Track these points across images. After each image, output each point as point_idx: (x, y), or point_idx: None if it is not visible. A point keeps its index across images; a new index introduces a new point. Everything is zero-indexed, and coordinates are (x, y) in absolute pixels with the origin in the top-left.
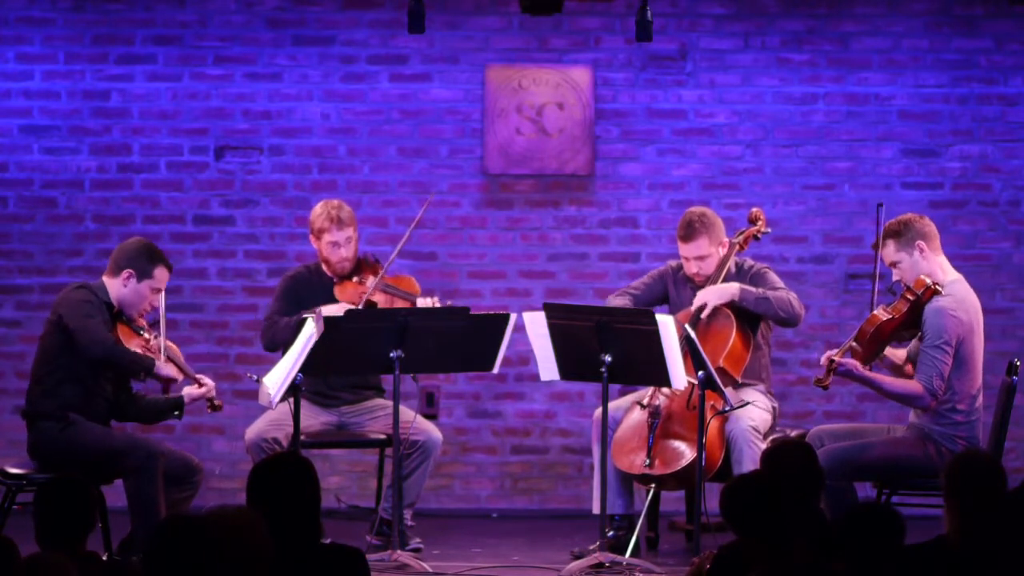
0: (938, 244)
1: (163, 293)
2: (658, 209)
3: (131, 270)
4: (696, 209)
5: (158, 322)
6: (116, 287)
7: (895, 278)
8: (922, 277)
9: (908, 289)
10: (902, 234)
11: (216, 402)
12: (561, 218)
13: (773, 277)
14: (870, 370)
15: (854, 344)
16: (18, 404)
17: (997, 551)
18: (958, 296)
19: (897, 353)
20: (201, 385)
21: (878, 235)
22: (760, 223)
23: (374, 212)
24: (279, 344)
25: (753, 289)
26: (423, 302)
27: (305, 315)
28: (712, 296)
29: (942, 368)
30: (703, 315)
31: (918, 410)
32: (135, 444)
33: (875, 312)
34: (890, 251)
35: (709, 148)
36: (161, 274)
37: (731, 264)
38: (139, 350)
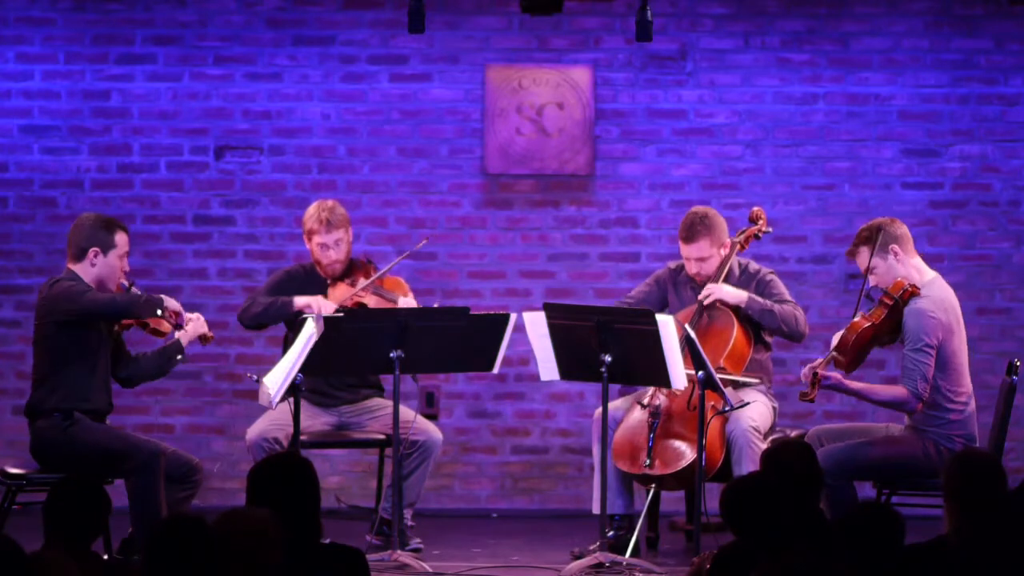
0: (912, 246)
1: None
2: (658, 209)
3: (95, 248)
4: (699, 209)
5: (132, 284)
6: (86, 269)
7: (871, 284)
8: (900, 280)
9: (885, 294)
10: (875, 239)
11: (208, 334)
12: (561, 218)
13: (780, 287)
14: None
15: (836, 354)
16: (18, 404)
17: (997, 551)
18: (935, 297)
19: None
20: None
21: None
22: (761, 222)
23: (374, 212)
24: (250, 318)
25: (760, 300)
26: (405, 302)
27: (305, 315)
28: (721, 293)
29: (925, 371)
30: (705, 301)
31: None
32: (137, 444)
33: (855, 320)
34: (864, 258)
35: (709, 148)
36: (122, 239)
37: (734, 264)
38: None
